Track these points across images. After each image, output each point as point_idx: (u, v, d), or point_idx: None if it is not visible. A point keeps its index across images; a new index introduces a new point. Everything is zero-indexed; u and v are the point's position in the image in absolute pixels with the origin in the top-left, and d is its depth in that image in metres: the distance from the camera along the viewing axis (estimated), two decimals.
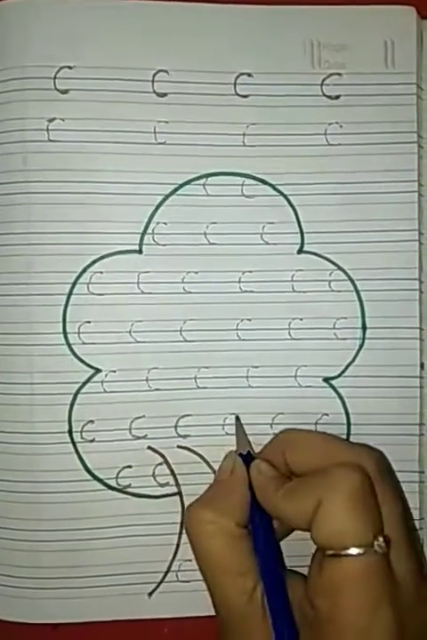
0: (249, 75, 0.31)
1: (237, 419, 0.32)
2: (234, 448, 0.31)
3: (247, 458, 0.29)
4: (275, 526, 0.29)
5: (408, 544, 0.27)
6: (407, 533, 0.27)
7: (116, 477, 0.32)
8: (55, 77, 0.31)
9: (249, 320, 0.32)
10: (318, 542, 0.26)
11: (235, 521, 0.28)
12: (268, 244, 0.32)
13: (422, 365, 0.32)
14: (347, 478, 0.26)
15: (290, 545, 0.30)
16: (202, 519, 0.28)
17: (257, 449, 0.31)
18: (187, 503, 0.32)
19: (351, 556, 0.25)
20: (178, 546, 0.32)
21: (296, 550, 0.30)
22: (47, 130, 0.31)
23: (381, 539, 0.25)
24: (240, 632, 0.28)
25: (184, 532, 0.32)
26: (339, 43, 0.32)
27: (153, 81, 0.31)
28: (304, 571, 0.28)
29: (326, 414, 0.32)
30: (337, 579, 0.25)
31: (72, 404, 0.31)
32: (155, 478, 0.32)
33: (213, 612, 0.32)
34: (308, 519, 0.26)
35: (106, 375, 0.31)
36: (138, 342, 0.31)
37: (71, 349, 0.31)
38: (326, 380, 0.32)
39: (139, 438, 0.32)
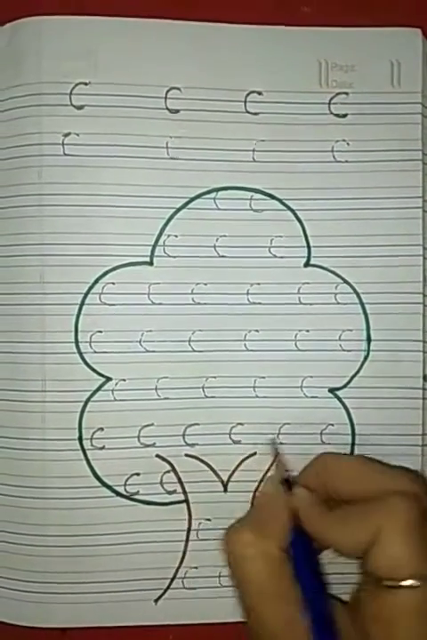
0: (259, 93, 0.32)
1: (274, 442, 0.32)
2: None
3: (287, 483, 0.30)
4: None
5: None
6: None
7: (125, 484, 0.32)
8: (71, 93, 0.31)
9: (257, 331, 0.32)
10: (374, 571, 0.26)
11: (277, 545, 0.28)
12: (275, 257, 0.32)
13: (425, 377, 0.33)
14: (405, 508, 0.26)
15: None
16: (243, 541, 0.28)
17: (262, 461, 0.32)
18: (193, 511, 0.32)
19: (410, 587, 0.25)
20: (184, 553, 0.32)
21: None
22: (62, 144, 0.31)
23: None
24: None
25: (191, 539, 0.32)
26: (347, 63, 0.32)
27: (166, 98, 0.32)
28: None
29: (332, 424, 0.32)
30: (393, 609, 0.25)
31: (82, 412, 0.32)
32: (162, 486, 0.32)
33: (217, 620, 0.32)
34: (362, 547, 0.26)
35: (116, 384, 0.32)
36: (148, 352, 0.32)
37: (83, 358, 0.32)
38: (332, 390, 0.32)
39: (147, 446, 0.32)
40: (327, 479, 0.29)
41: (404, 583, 0.25)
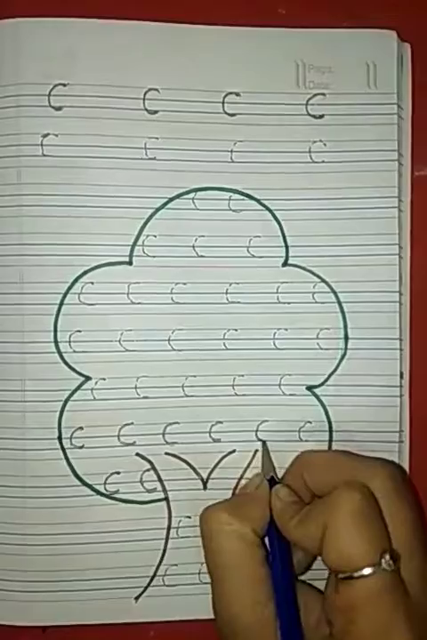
0: (237, 94, 0.32)
1: (264, 443, 0.32)
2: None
3: (271, 482, 0.30)
4: (299, 557, 0.30)
5: (423, 558, 0.27)
6: (422, 547, 0.27)
7: (105, 483, 0.32)
8: (49, 94, 0.32)
9: (236, 330, 0.33)
10: (328, 566, 0.27)
11: (251, 528, 0.28)
12: (254, 256, 0.33)
13: (401, 375, 0.33)
14: (346, 499, 0.26)
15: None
16: (219, 519, 0.29)
17: (241, 458, 0.32)
18: (173, 508, 0.32)
19: (362, 576, 0.25)
20: (165, 551, 0.32)
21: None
22: (41, 145, 0.32)
23: (387, 556, 0.25)
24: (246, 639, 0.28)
25: (171, 537, 0.32)
26: (323, 64, 0.33)
27: (144, 99, 0.32)
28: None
29: (309, 422, 0.33)
30: (351, 599, 0.25)
31: (62, 411, 0.32)
32: (142, 484, 0.32)
33: (198, 617, 0.32)
34: (317, 545, 0.26)
35: (96, 383, 0.32)
36: (127, 351, 0.32)
37: (62, 357, 0.32)
38: (310, 388, 0.33)
39: (127, 445, 0.32)
40: (306, 476, 0.29)
41: (356, 574, 0.25)
